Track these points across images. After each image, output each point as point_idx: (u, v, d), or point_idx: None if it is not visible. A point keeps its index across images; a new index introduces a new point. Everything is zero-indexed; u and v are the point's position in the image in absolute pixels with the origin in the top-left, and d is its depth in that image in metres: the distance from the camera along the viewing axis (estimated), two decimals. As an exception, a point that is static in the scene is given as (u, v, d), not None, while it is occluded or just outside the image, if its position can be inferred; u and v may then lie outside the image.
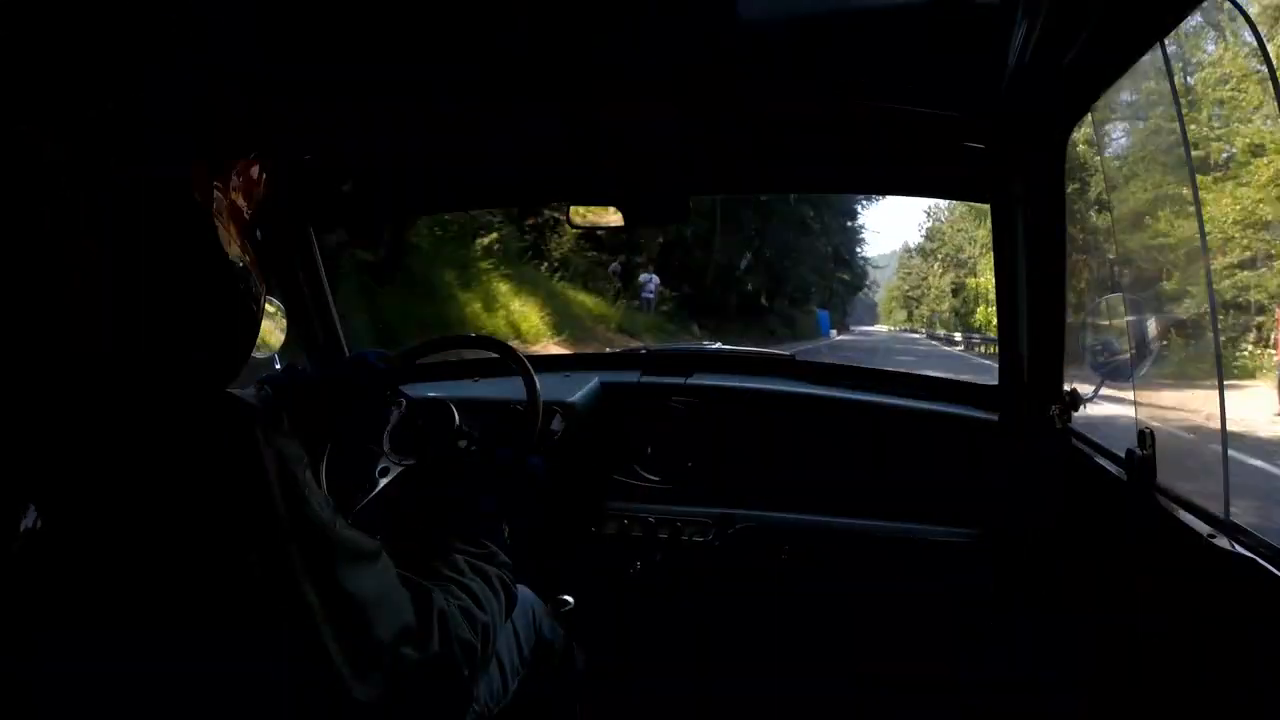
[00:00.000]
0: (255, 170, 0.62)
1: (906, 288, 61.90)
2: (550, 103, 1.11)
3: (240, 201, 0.60)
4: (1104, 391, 1.14)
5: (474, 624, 0.68)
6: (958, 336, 31.63)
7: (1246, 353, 11.91)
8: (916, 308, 59.54)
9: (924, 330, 48.20)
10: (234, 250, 0.59)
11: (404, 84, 1.09)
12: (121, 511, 0.47)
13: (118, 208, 0.52)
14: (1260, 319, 12.70)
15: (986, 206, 1.25)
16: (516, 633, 1.03)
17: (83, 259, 0.51)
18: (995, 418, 1.24)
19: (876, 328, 63.14)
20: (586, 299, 13.43)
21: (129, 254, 0.52)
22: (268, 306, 1.46)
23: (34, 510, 0.47)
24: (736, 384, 1.61)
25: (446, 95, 1.10)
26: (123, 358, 0.52)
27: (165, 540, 0.48)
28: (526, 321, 9.82)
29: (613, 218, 1.38)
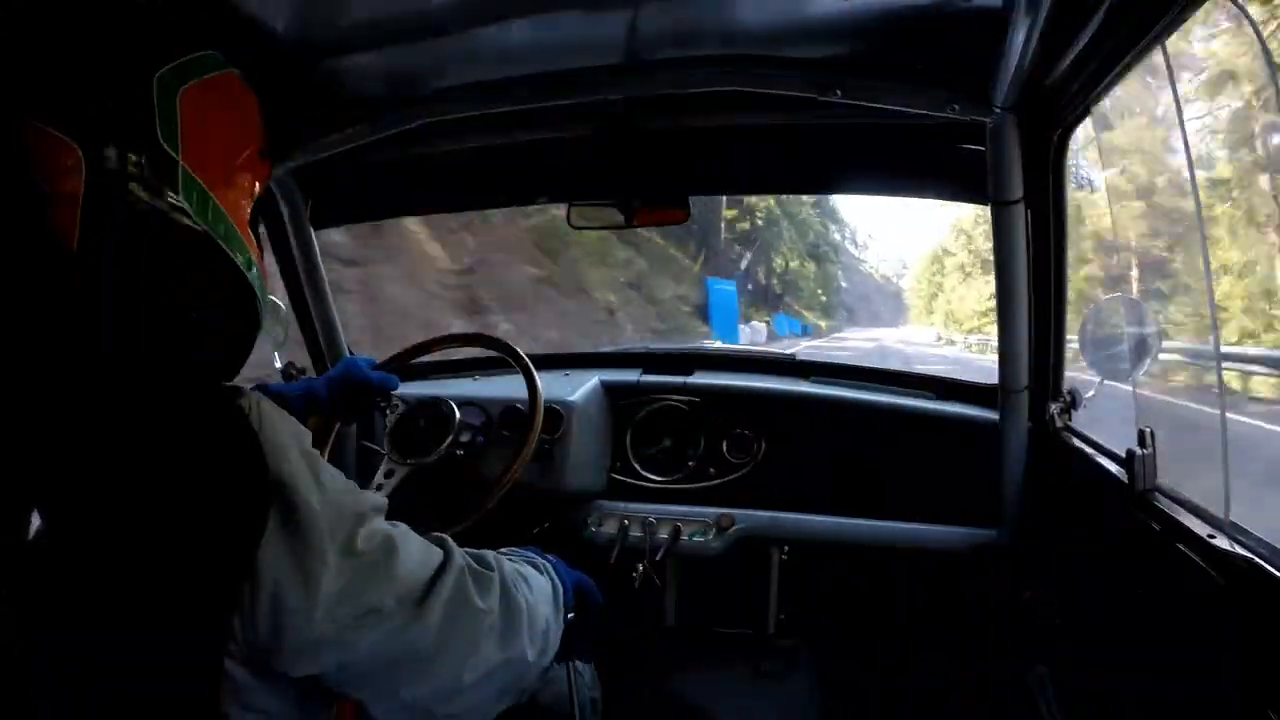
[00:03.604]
0: (256, 167, 0.62)
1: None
2: (553, 104, 1.11)
3: (247, 196, 0.61)
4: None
5: (498, 556, 0.72)
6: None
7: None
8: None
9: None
10: (242, 242, 0.59)
11: (406, 83, 1.09)
12: (125, 510, 0.48)
13: (118, 208, 0.52)
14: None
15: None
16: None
17: (83, 259, 0.51)
18: (995, 417, 1.24)
19: (898, 332, 40.29)
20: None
21: (130, 254, 0.53)
22: (271, 305, 1.47)
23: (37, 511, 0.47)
24: (737, 383, 1.61)
25: (449, 96, 1.11)
26: (124, 357, 0.52)
27: (171, 535, 0.48)
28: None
29: (613, 218, 1.38)
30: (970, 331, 28.81)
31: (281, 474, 0.53)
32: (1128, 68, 0.82)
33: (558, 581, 0.80)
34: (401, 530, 0.62)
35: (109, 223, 0.51)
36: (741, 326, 21.67)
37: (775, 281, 34.62)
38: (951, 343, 27.33)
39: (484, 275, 9.86)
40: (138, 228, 0.52)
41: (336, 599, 0.54)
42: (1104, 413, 1.15)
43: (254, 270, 0.61)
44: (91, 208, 0.50)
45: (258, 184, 0.63)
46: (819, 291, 42.57)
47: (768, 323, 27.64)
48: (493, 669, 0.65)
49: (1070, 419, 1.19)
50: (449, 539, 0.67)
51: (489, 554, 0.71)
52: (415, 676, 0.60)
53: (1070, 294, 1.15)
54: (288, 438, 0.55)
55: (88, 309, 0.51)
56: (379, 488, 1.27)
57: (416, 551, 0.62)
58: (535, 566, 0.79)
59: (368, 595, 0.56)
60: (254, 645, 0.53)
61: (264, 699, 0.55)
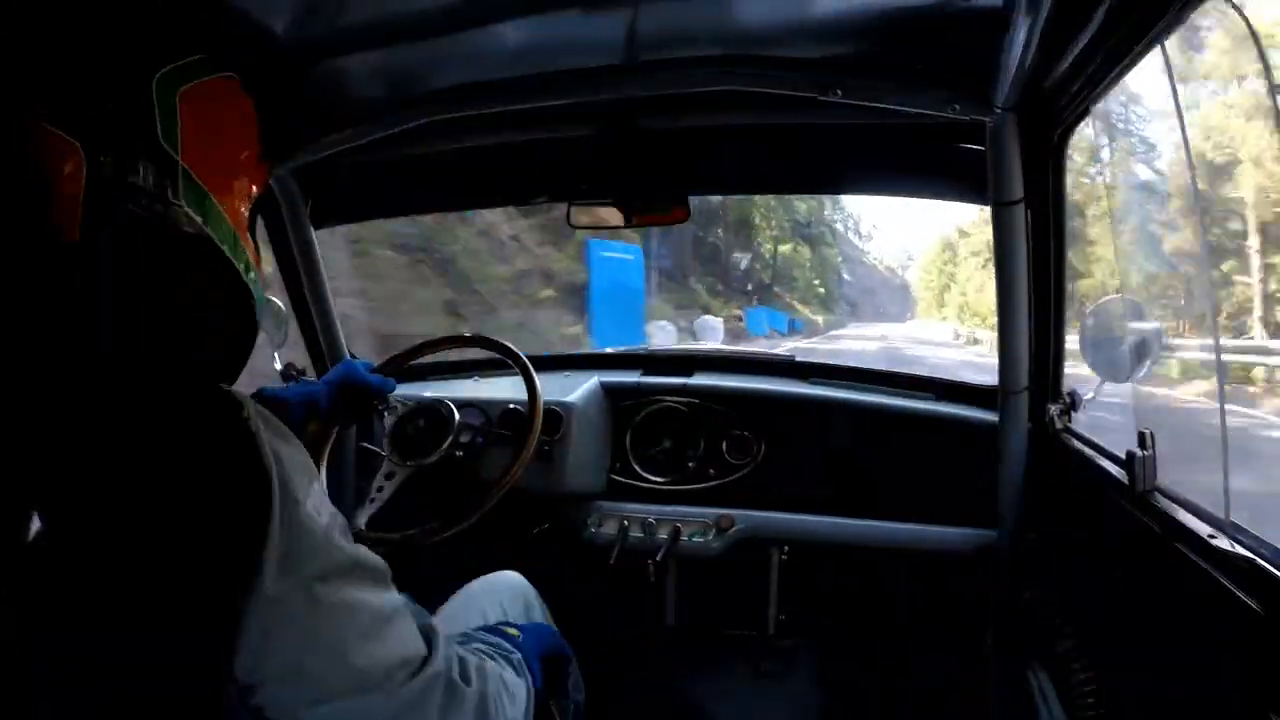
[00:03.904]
0: (255, 171, 0.62)
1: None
2: (553, 103, 1.11)
3: (245, 199, 0.60)
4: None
5: (485, 664, 0.66)
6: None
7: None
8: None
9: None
10: (240, 245, 0.59)
11: (406, 83, 1.09)
12: (124, 510, 0.47)
13: (118, 208, 0.52)
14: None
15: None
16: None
17: (83, 258, 0.51)
18: (995, 418, 1.24)
19: (905, 328, 33.95)
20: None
21: (130, 254, 0.53)
22: (272, 306, 1.47)
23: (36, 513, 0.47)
24: (737, 384, 1.61)
25: (449, 96, 1.11)
26: (122, 358, 0.52)
27: (164, 540, 0.48)
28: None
29: (613, 218, 1.39)
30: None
31: (275, 495, 0.50)
32: (1128, 68, 0.82)
33: (530, 684, 0.75)
34: (388, 609, 0.57)
35: (109, 222, 0.51)
36: (661, 324, 14.24)
37: (760, 268, 28.42)
38: (976, 341, 23.01)
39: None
40: (137, 228, 0.52)
41: (262, 642, 0.50)
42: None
43: (252, 274, 0.60)
44: (92, 207, 0.50)
45: (255, 188, 0.63)
46: (815, 281, 35.93)
47: (738, 317, 21.16)
48: None
49: (1070, 420, 1.19)
50: (438, 650, 0.60)
51: (473, 663, 0.65)
52: None
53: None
54: (279, 451, 0.52)
55: (87, 309, 0.51)
56: (379, 489, 1.27)
57: (387, 642, 0.56)
58: (513, 666, 0.74)
59: (302, 656, 0.52)
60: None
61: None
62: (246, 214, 0.61)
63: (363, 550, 0.57)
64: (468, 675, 0.63)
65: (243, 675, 0.51)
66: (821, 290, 36.84)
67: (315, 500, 0.54)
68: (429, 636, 0.61)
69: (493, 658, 0.73)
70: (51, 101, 0.50)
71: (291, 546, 0.51)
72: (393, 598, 0.59)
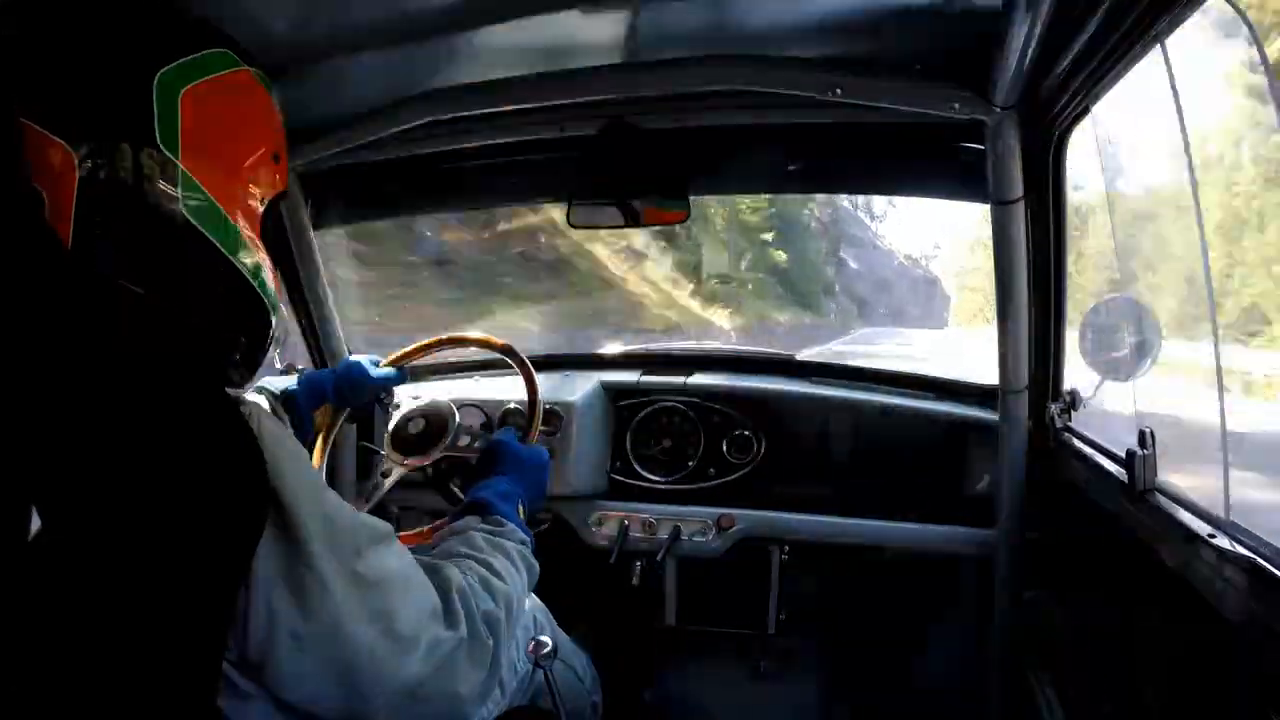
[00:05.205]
0: (268, 170, 0.62)
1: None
2: (553, 103, 1.11)
3: (255, 199, 0.60)
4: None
5: (495, 594, 0.69)
6: None
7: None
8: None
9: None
10: (248, 247, 0.59)
11: (406, 83, 1.09)
12: (122, 509, 0.47)
13: (112, 210, 0.52)
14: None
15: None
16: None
17: (78, 260, 0.51)
18: (995, 417, 1.24)
19: (942, 341, 15.93)
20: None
21: (125, 256, 0.52)
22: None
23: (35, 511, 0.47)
24: (737, 384, 1.61)
25: (449, 96, 1.11)
26: (120, 359, 0.52)
27: (167, 536, 0.48)
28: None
29: (613, 218, 1.38)
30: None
31: (280, 485, 0.52)
32: (1127, 67, 0.83)
33: (534, 563, 0.82)
34: (407, 564, 0.61)
35: (103, 224, 0.51)
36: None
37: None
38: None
39: None
40: (132, 230, 0.52)
41: (333, 631, 0.53)
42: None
43: (260, 276, 0.60)
44: (85, 208, 0.50)
45: (269, 187, 0.62)
46: (769, 241, 17.18)
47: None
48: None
49: (1070, 419, 1.19)
50: (440, 566, 0.65)
51: (483, 609, 0.67)
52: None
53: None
54: (287, 451, 0.54)
55: (82, 310, 0.51)
56: (376, 487, 1.27)
57: (416, 599, 0.60)
58: (511, 559, 0.78)
59: (361, 632, 0.55)
60: (246, 657, 0.53)
61: (261, 703, 0.55)
62: (258, 214, 0.60)
63: (369, 518, 0.60)
64: (484, 628, 0.65)
65: (277, 663, 0.53)
66: (781, 255, 17.89)
67: (323, 487, 0.56)
68: (443, 587, 0.63)
69: (513, 562, 0.77)
70: (46, 103, 0.50)
71: (330, 529, 0.54)
72: (401, 551, 0.62)
